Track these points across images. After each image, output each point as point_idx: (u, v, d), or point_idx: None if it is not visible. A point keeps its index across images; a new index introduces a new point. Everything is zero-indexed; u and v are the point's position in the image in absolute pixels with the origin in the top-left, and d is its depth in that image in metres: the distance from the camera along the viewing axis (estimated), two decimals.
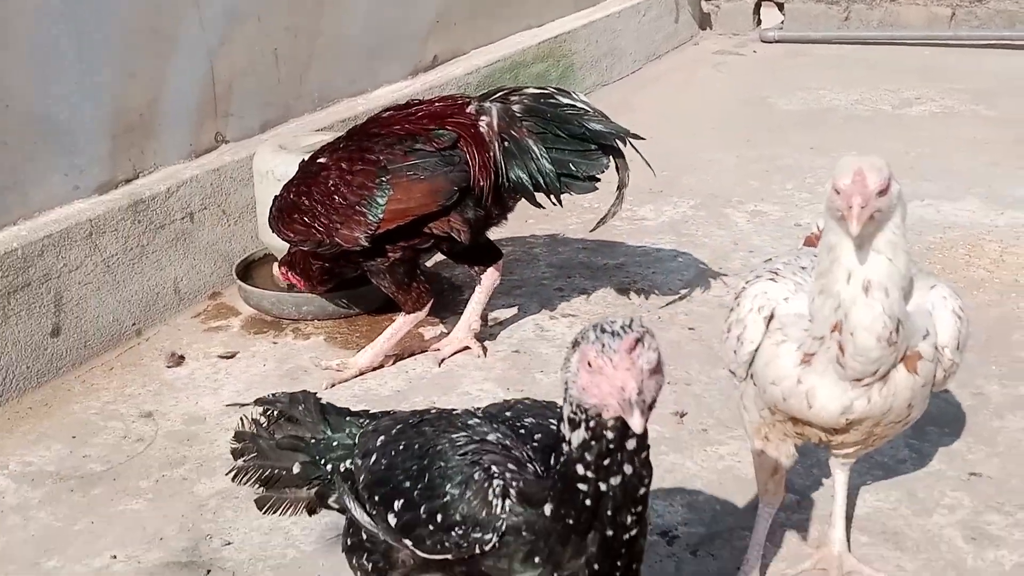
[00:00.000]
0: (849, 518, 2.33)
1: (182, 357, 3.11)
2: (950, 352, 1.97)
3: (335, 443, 1.82)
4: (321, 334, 3.28)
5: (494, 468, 1.56)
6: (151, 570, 2.24)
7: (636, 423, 1.41)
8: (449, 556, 1.56)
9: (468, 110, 2.97)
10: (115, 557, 2.28)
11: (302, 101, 4.03)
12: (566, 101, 3.00)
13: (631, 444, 1.49)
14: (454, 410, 1.77)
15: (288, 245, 3.13)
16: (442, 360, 3.09)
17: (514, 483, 1.54)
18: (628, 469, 1.50)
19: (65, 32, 3.05)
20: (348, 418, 1.88)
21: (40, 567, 2.26)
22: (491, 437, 1.62)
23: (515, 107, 2.98)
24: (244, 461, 1.87)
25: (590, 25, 5.78)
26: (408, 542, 1.61)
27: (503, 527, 1.52)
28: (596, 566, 1.53)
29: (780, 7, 6.82)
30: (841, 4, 6.62)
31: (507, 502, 1.53)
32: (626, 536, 1.53)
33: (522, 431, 1.64)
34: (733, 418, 2.66)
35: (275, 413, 1.89)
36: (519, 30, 5.40)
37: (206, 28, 3.55)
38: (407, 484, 1.62)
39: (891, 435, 2.07)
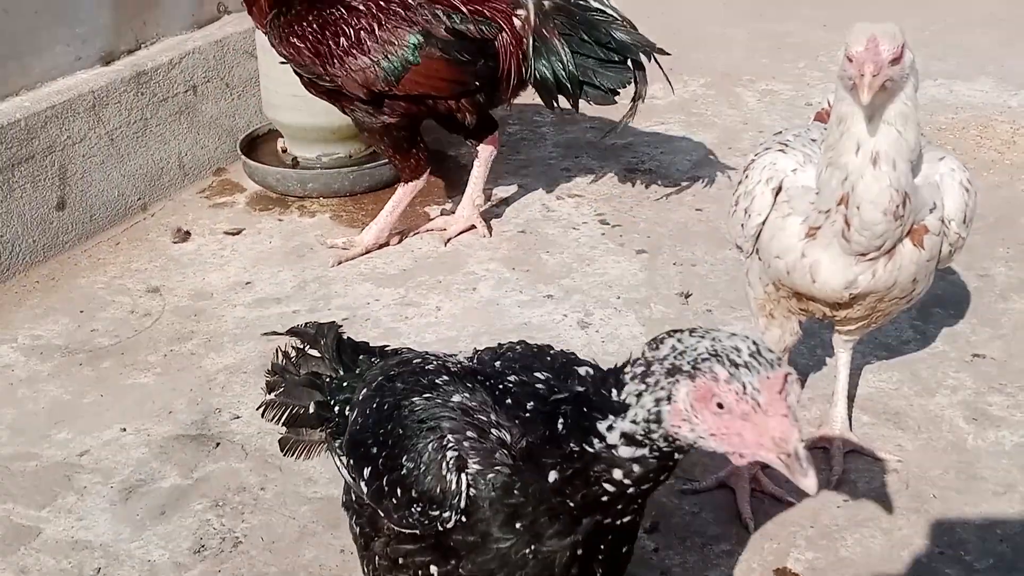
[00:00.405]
0: (851, 398, 2.35)
1: (188, 233, 3.10)
2: (956, 225, 1.95)
3: (344, 384, 1.67)
4: (327, 212, 3.26)
5: (449, 437, 1.39)
6: (160, 443, 2.27)
7: (810, 485, 1.17)
8: (416, 531, 1.42)
9: None
10: (124, 430, 2.31)
11: None
12: (596, 5, 2.94)
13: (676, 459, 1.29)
14: (431, 360, 1.56)
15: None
16: (448, 240, 3.08)
17: (498, 447, 1.35)
18: (662, 478, 1.32)
19: None
20: (361, 356, 1.73)
21: (51, 439, 2.29)
22: (455, 399, 1.43)
23: (546, 3, 2.91)
24: (274, 395, 1.75)
25: None
26: (380, 512, 1.47)
27: (462, 503, 1.35)
28: (580, 551, 1.36)
29: None
30: None
31: (464, 475, 1.35)
32: (620, 522, 1.36)
33: (500, 389, 1.42)
34: (738, 299, 2.66)
35: (303, 346, 1.76)
36: None
37: None
38: (375, 450, 1.47)
39: (895, 312, 2.07)
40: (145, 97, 3.21)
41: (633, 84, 2.96)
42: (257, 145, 3.50)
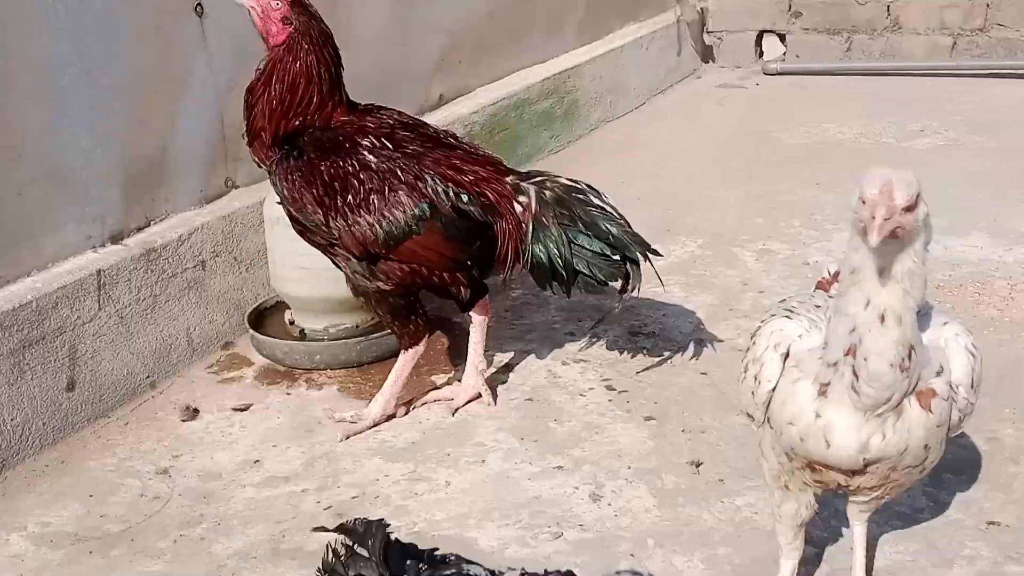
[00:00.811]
0: (869, 571, 2.32)
1: (196, 410, 3.10)
2: (964, 390, 1.97)
3: None
4: (334, 384, 3.27)
5: None
6: None
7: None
8: None
9: (507, 182, 2.97)
10: None
11: None
12: (596, 201, 3.00)
13: None
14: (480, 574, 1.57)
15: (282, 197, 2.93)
16: (455, 410, 3.08)
17: None
18: None
19: (76, 78, 3.05)
20: (409, 561, 1.67)
21: None
22: None
23: (547, 193, 2.97)
24: None
25: (594, 60, 5.80)
26: None
27: None
28: None
29: (782, 38, 6.85)
30: (843, 35, 6.65)
31: None
32: None
33: None
34: (749, 467, 2.66)
35: (352, 544, 1.69)
36: (524, 67, 5.41)
37: (214, 70, 3.55)
38: None
39: (908, 483, 2.07)
40: (155, 274, 3.25)
41: (625, 279, 3.00)
42: (265, 318, 3.53)
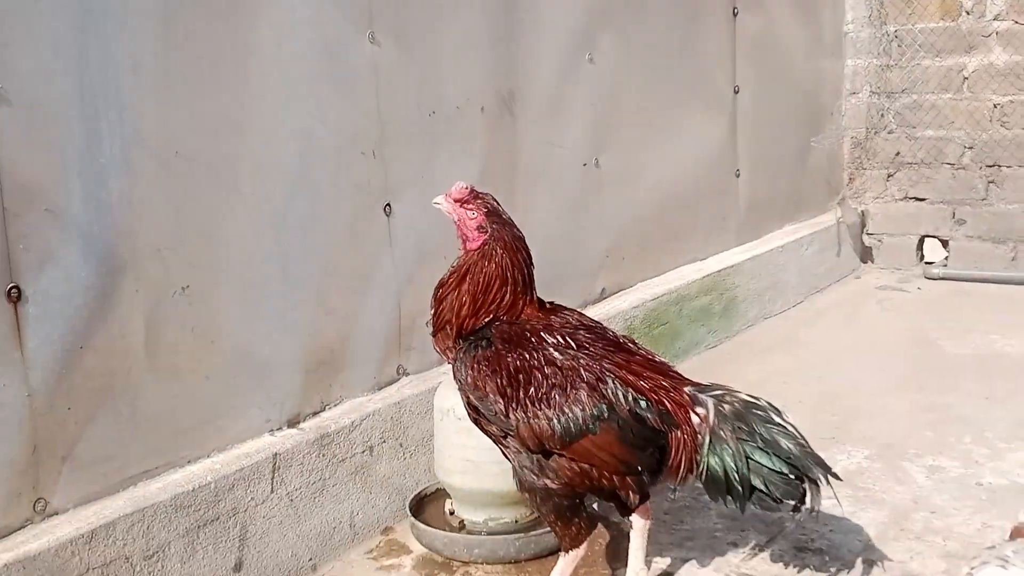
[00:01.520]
0: None
1: None
2: None
3: None
4: None
5: None
6: None
7: None
8: None
9: (686, 391, 2.95)
10: None
11: None
12: (776, 419, 2.94)
13: None
14: None
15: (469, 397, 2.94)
16: None
17: None
18: None
19: (274, 270, 3.19)
20: None
21: None
22: None
23: (726, 407, 2.93)
24: None
25: (753, 259, 5.79)
26: None
27: None
28: None
29: (944, 244, 6.72)
30: (1008, 244, 6.48)
31: None
32: None
33: None
34: None
35: None
36: (684, 263, 5.43)
37: (397, 266, 3.67)
38: None
39: None
40: (325, 458, 3.29)
41: (802, 499, 2.90)
42: (425, 505, 3.52)
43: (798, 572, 3.22)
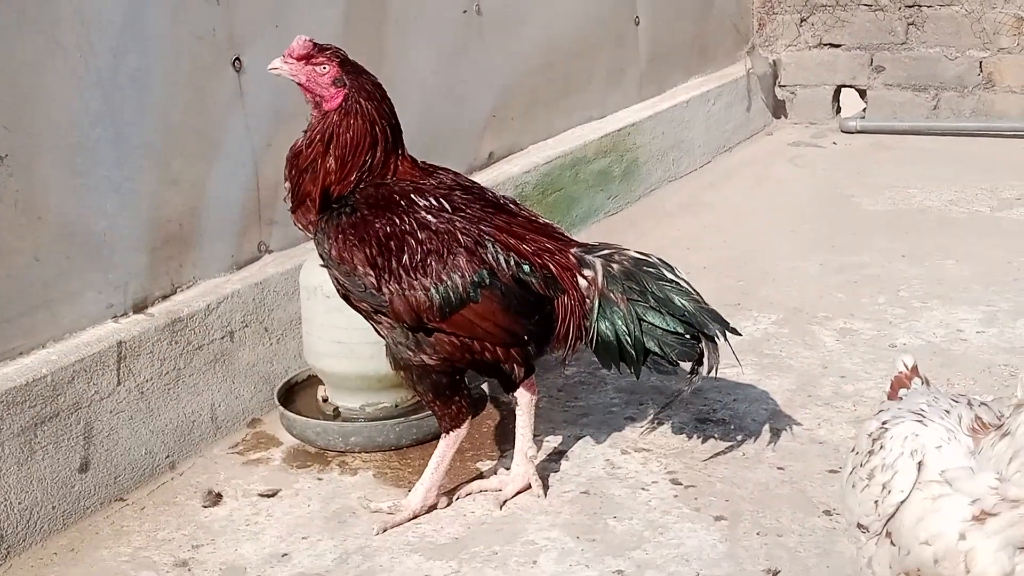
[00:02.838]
0: None
1: (219, 495, 3.08)
2: None
3: None
4: (370, 469, 3.24)
5: None
6: None
7: None
8: None
9: (572, 254, 2.96)
10: None
11: None
12: (668, 275, 2.97)
13: None
14: None
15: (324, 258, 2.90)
16: (503, 502, 3.04)
17: None
18: None
19: (105, 135, 3.09)
20: None
21: None
22: None
23: (615, 267, 2.95)
24: None
25: (656, 116, 5.81)
26: None
27: None
28: None
29: (862, 94, 6.83)
30: (930, 91, 6.62)
31: None
32: None
33: None
34: None
35: None
36: (580, 123, 5.43)
37: (252, 130, 3.59)
38: None
39: None
40: (179, 346, 3.25)
41: (700, 359, 2.96)
42: (295, 393, 3.52)
43: (700, 443, 3.32)
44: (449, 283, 2.81)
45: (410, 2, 4.25)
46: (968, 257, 4.64)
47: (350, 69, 2.88)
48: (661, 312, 2.92)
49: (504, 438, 3.37)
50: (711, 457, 3.24)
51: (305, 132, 2.90)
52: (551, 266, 2.92)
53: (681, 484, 3.11)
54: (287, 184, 2.94)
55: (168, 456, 3.23)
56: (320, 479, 3.20)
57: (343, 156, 2.85)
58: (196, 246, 3.43)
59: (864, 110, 6.81)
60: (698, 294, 2.99)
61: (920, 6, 6.52)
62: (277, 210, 3.70)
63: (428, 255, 2.81)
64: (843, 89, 6.93)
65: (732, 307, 4.25)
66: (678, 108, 6.00)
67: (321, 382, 3.51)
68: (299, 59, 2.83)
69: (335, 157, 2.85)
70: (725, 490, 3.07)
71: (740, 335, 3.10)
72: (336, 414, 3.42)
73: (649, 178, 5.76)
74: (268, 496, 3.09)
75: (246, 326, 3.48)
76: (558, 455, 3.29)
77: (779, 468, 3.17)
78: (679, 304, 2.93)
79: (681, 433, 3.39)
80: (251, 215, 3.61)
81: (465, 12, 4.57)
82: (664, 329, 2.92)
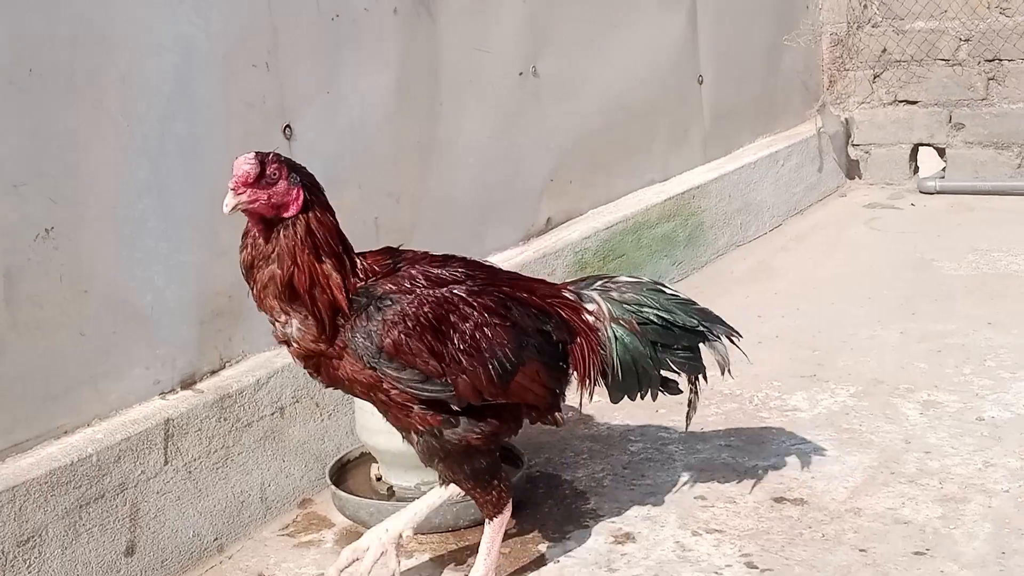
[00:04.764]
0: None
1: None
2: None
3: None
4: (426, 552, 3.25)
5: None
6: None
7: None
8: None
9: (568, 293, 3.08)
10: None
11: None
12: (668, 291, 3.14)
13: None
14: None
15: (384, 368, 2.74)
16: None
17: None
18: None
19: (152, 206, 3.17)
20: None
21: None
22: None
23: (614, 295, 3.08)
24: None
25: (721, 178, 5.84)
26: None
27: None
28: None
29: (941, 153, 6.81)
30: (1013, 149, 6.59)
31: None
32: None
33: None
34: None
35: None
36: (642, 186, 5.47)
37: None
38: None
39: None
40: (228, 423, 3.30)
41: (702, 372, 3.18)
42: (347, 472, 3.55)
43: (776, 524, 3.29)
44: (500, 353, 2.84)
45: (464, 64, 4.33)
46: None
47: (292, 165, 2.72)
48: (671, 328, 3.07)
49: (568, 520, 3.37)
50: (788, 541, 3.21)
51: (269, 262, 2.67)
52: (560, 311, 3.01)
53: (757, 568, 3.08)
54: (277, 313, 2.72)
55: (216, 538, 3.26)
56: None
57: (335, 251, 2.71)
58: (246, 319, 3.48)
59: (943, 169, 6.79)
60: (695, 302, 3.17)
61: (1001, 60, 6.51)
62: None
63: (476, 329, 2.82)
64: (920, 148, 6.92)
65: (808, 379, 4.24)
66: (745, 169, 6.02)
67: (374, 460, 3.53)
68: (249, 183, 2.62)
69: (330, 256, 2.70)
70: (803, 573, 3.04)
71: (741, 336, 3.24)
72: (391, 493, 3.44)
73: (716, 243, 5.77)
74: None
75: (297, 401, 3.52)
76: (625, 537, 3.28)
77: (861, 550, 3.13)
78: (683, 316, 3.09)
79: (756, 514, 3.37)
80: None
81: (521, 74, 4.64)
82: (677, 345, 3.09)
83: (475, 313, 2.83)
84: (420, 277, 2.81)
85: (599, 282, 3.13)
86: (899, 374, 4.26)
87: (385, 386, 2.74)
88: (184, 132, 3.24)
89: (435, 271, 2.85)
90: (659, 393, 3.12)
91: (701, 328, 3.11)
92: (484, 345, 2.81)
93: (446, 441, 2.87)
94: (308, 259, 2.66)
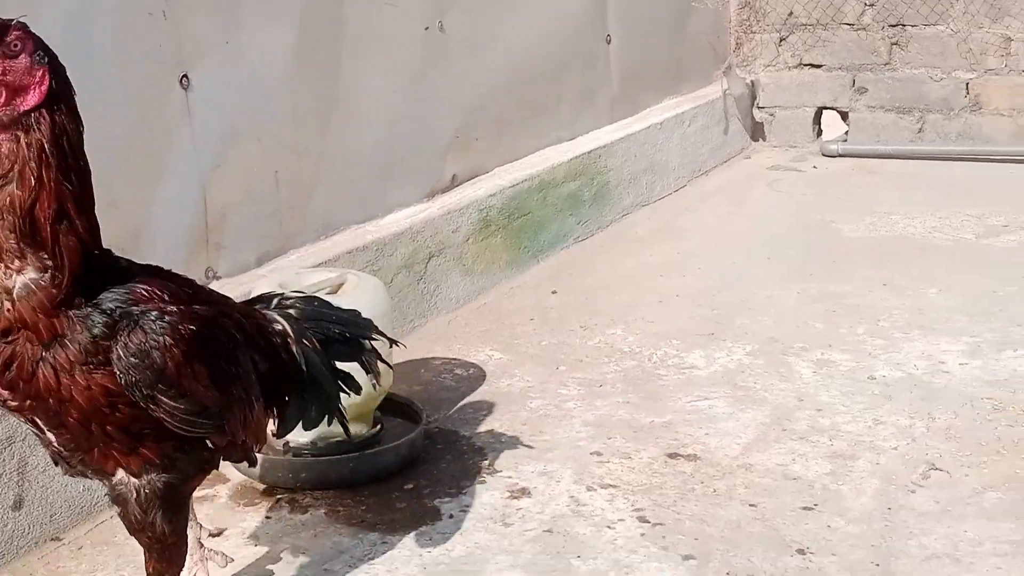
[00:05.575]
0: None
1: None
2: None
3: None
4: (322, 507, 3.24)
5: None
6: None
7: None
8: None
9: (257, 309, 2.68)
10: None
11: (304, 230, 4.08)
12: (336, 303, 2.87)
13: None
14: None
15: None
16: None
17: None
18: None
19: None
20: None
21: None
22: None
23: (292, 311, 2.69)
24: None
25: (628, 138, 5.87)
26: None
27: None
28: None
29: (844, 116, 6.91)
30: (914, 114, 6.71)
31: None
32: None
33: None
34: None
35: None
36: (548, 145, 5.48)
37: (199, 150, 3.61)
38: None
39: None
40: None
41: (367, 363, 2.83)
42: None
43: (670, 479, 3.34)
44: (245, 375, 2.43)
45: (369, 18, 4.29)
46: (952, 286, 4.70)
47: (34, 36, 2.07)
48: (340, 341, 2.75)
49: (464, 474, 3.38)
50: (681, 496, 3.26)
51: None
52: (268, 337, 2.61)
53: (649, 522, 3.13)
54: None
55: (107, 493, 3.22)
56: (269, 518, 3.20)
57: (85, 177, 2.10)
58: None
59: (846, 133, 6.90)
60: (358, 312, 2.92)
61: (904, 25, 6.61)
62: (226, 234, 3.73)
63: (234, 350, 2.40)
64: (824, 111, 7.01)
65: (706, 336, 4.30)
66: (651, 130, 6.06)
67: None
68: None
69: (80, 181, 2.07)
70: (694, 528, 3.09)
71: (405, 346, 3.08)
72: (287, 449, 3.42)
73: (621, 202, 5.80)
74: (213, 536, 3.09)
75: None
76: (521, 492, 3.30)
77: (751, 505, 3.20)
78: (354, 326, 2.82)
79: (650, 469, 3.41)
80: (198, 239, 3.62)
81: (427, 29, 4.62)
82: (348, 353, 2.78)
83: (234, 336, 2.42)
84: (158, 289, 2.25)
85: (276, 300, 2.73)
86: (795, 333, 4.33)
87: (119, 415, 2.16)
88: (77, 82, 3.16)
89: (168, 284, 2.32)
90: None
91: (368, 335, 2.81)
92: (242, 372, 2.41)
93: (168, 484, 2.31)
94: (55, 179, 2.01)
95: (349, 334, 2.79)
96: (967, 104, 6.59)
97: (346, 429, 2.87)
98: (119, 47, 3.31)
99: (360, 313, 2.94)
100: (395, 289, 4.32)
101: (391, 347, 3.00)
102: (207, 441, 2.36)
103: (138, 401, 2.13)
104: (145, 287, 2.20)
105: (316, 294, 2.98)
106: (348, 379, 2.79)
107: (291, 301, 2.74)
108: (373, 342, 2.86)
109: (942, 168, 6.48)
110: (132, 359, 2.09)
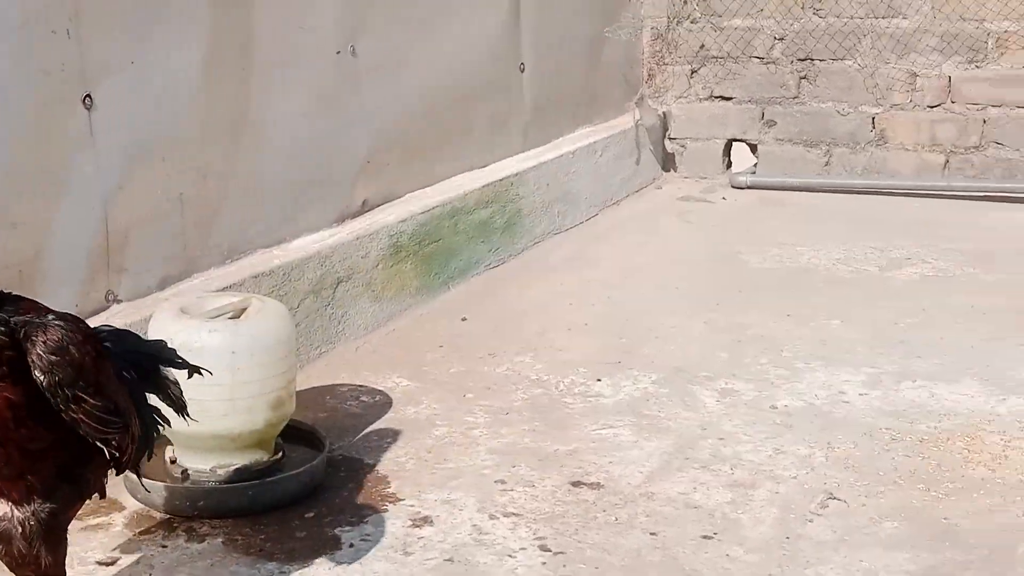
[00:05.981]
0: None
1: None
2: None
3: None
4: (219, 536, 3.19)
5: None
6: None
7: None
8: None
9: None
10: None
11: (209, 253, 4.03)
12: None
13: None
14: None
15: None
16: None
17: None
18: None
19: None
20: None
21: None
22: None
23: (108, 344, 2.55)
24: None
25: (540, 166, 5.89)
26: None
27: None
28: None
29: (753, 148, 7.01)
30: (821, 147, 6.82)
31: None
32: None
33: None
34: None
35: None
36: (461, 171, 5.48)
37: (102, 170, 3.56)
38: None
39: None
40: None
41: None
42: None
43: (572, 508, 3.34)
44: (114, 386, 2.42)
45: (279, 41, 4.26)
46: (854, 318, 4.77)
47: None
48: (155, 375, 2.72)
49: (366, 502, 3.35)
50: (583, 524, 3.26)
51: None
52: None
53: (550, 551, 3.13)
54: None
55: None
56: (164, 547, 3.14)
57: None
58: (38, 295, 3.33)
59: (755, 165, 6.99)
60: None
61: (813, 60, 6.72)
62: (128, 256, 3.67)
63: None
64: (734, 143, 7.09)
65: (613, 365, 4.32)
66: (564, 159, 6.09)
67: (170, 442, 3.45)
68: None
69: None
70: (595, 556, 3.09)
71: (210, 373, 2.93)
72: (184, 477, 3.37)
73: (533, 231, 5.82)
74: (106, 565, 3.03)
75: None
76: (423, 520, 3.28)
77: (652, 534, 3.21)
78: (167, 357, 2.77)
79: (553, 497, 3.41)
80: (99, 261, 3.57)
81: (339, 53, 4.60)
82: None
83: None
84: (36, 304, 2.30)
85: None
86: (700, 363, 4.37)
87: (23, 430, 2.17)
88: None
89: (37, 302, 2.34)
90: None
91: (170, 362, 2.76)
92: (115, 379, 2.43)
93: (52, 513, 2.30)
94: None
95: (155, 366, 2.70)
96: (873, 138, 6.71)
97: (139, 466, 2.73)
98: (19, 65, 3.25)
99: (167, 343, 2.82)
100: (302, 314, 4.28)
101: (197, 375, 2.84)
102: (106, 450, 2.35)
103: (59, 404, 2.15)
104: (27, 301, 2.25)
105: (218, 317, 2.93)
106: (158, 413, 2.73)
107: (105, 335, 2.59)
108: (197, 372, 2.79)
109: (848, 201, 6.59)
110: (52, 356, 2.12)
